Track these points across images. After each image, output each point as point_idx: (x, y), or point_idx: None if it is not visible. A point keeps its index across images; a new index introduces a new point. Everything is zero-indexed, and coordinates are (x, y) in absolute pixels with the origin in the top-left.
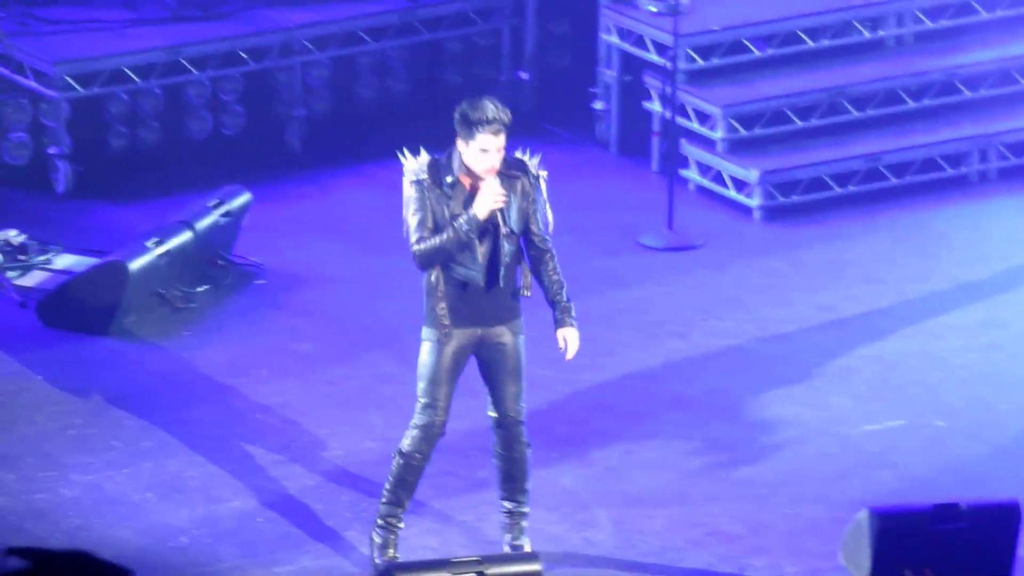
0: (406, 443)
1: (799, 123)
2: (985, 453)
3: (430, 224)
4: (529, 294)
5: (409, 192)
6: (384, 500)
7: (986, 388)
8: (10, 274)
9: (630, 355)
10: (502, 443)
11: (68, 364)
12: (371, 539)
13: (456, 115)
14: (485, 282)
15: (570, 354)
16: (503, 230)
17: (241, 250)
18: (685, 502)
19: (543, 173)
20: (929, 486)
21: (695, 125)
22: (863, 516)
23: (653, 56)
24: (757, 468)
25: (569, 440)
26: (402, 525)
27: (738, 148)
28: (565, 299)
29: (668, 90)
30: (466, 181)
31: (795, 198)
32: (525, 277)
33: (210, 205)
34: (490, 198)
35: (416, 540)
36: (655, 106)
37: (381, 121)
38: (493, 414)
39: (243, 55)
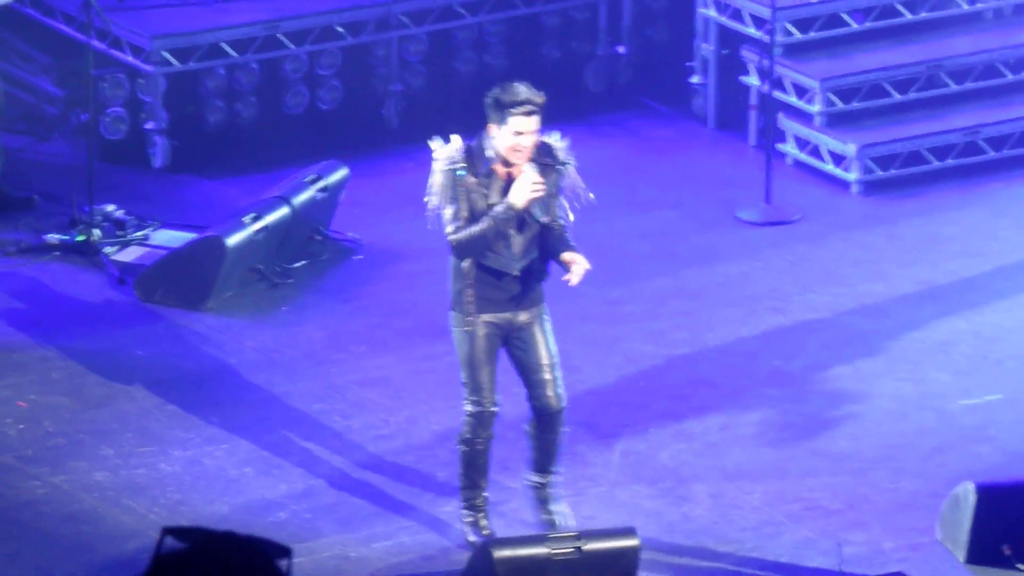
0: (464, 431)
1: (897, 96)
2: None
3: (465, 213)
4: (547, 277)
5: (442, 180)
6: (462, 486)
7: None
8: (108, 250)
9: (728, 330)
10: (541, 428)
11: (166, 340)
12: (463, 523)
13: (488, 100)
14: (519, 270)
15: (576, 276)
16: (534, 219)
17: (338, 225)
18: (783, 477)
19: (572, 161)
20: None
21: (793, 99)
22: (962, 491)
23: (750, 29)
24: (855, 443)
25: (667, 415)
26: (486, 501)
27: (836, 122)
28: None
29: (765, 64)
30: (501, 169)
31: (893, 172)
32: (559, 259)
33: (307, 180)
34: (528, 188)
35: (511, 514)
36: (752, 80)
37: (478, 96)
38: (532, 401)
39: (340, 29)
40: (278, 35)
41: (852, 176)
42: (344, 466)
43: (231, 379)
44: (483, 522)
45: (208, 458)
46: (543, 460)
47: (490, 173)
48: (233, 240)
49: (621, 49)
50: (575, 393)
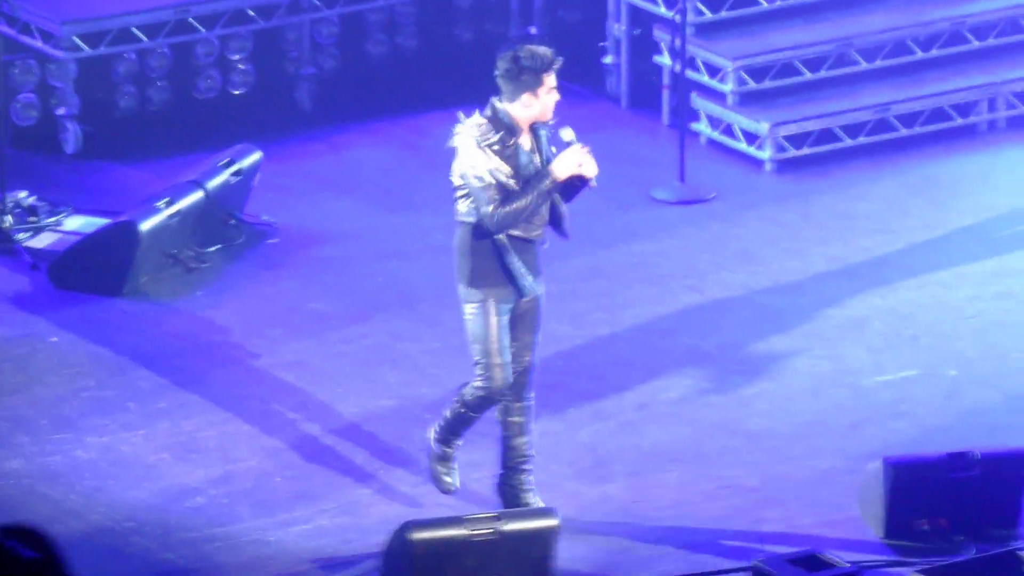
0: (471, 401)
1: (809, 75)
2: (998, 401)
3: (515, 180)
4: (567, 238)
5: (476, 156)
6: (442, 435)
7: (999, 336)
8: (21, 236)
9: (644, 309)
10: (515, 391)
11: (81, 326)
12: (432, 470)
13: (510, 67)
14: (543, 235)
15: (589, 167)
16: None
17: (253, 209)
18: (700, 455)
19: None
20: (943, 435)
21: (705, 78)
22: (878, 466)
23: (662, 9)
24: (772, 421)
25: (585, 395)
26: (456, 451)
27: (748, 100)
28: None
29: (677, 43)
30: (525, 140)
31: (805, 150)
32: (560, 223)
33: (220, 164)
34: (574, 162)
35: (430, 496)
36: (665, 60)
37: (391, 78)
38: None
39: (251, 13)
40: (189, 19)
41: (765, 154)
42: (261, 451)
43: (147, 365)
44: (452, 476)
45: (125, 444)
46: (513, 443)
47: (515, 145)
48: (147, 225)
49: (533, 30)
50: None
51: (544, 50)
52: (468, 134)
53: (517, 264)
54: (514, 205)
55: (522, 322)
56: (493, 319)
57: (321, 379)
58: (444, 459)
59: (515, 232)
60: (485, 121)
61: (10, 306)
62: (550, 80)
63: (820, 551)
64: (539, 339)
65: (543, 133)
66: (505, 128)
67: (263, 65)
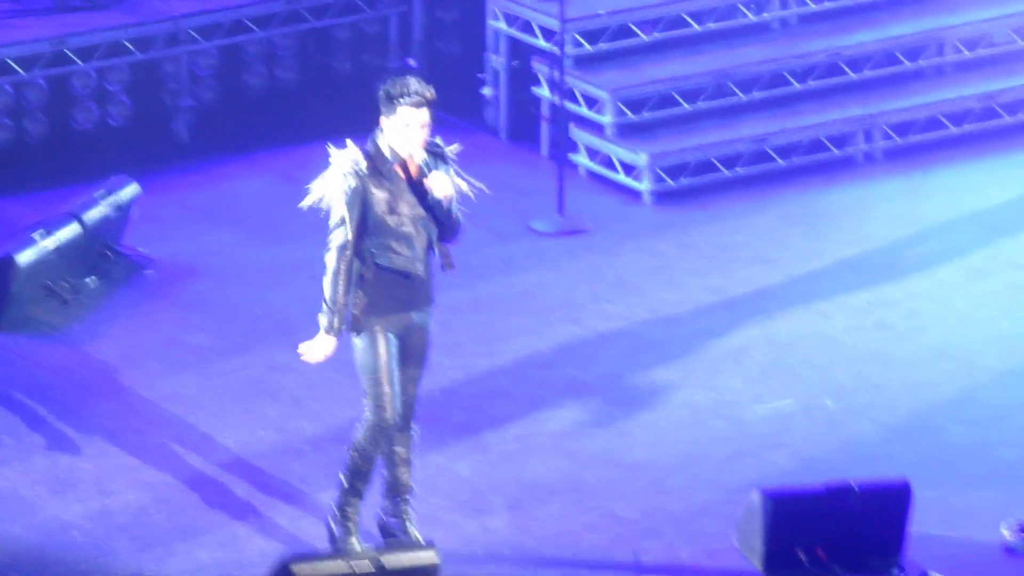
0: (362, 440)
1: (686, 106)
2: (875, 432)
3: (352, 225)
4: (453, 266)
5: (343, 185)
6: (343, 492)
7: (875, 367)
8: None
9: (523, 341)
10: (399, 423)
11: None
12: (329, 530)
13: (380, 93)
14: (422, 269)
15: (438, 188)
16: (430, 216)
17: (130, 241)
18: (580, 487)
19: (454, 157)
20: (821, 466)
21: (584, 110)
22: (755, 498)
23: (540, 41)
24: (651, 452)
25: (464, 427)
26: (357, 514)
27: (627, 132)
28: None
29: (556, 75)
30: (399, 169)
31: (684, 181)
32: (444, 253)
33: (97, 196)
34: (441, 192)
35: (310, 530)
36: (543, 91)
37: (270, 110)
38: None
39: (129, 45)
40: (65, 51)
41: (644, 186)
42: (139, 485)
43: (23, 398)
44: (353, 537)
45: (0, 479)
46: (395, 475)
47: (392, 174)
48: (24, 257)
49: (412, 62)
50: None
51: (408, 83)
52: (341, 160)
53: (360, 297)
54: (330, 269)
55: (409, 354)
56: (383, 349)
57: (200, 412)
58: (348, 533)
59: (391, 264)
60: (359, 150)
61: None
62: (404, 112)
63: None
64: (424, 372)
65: (426, 170)
66: (378, 157)
67: (141, 97)
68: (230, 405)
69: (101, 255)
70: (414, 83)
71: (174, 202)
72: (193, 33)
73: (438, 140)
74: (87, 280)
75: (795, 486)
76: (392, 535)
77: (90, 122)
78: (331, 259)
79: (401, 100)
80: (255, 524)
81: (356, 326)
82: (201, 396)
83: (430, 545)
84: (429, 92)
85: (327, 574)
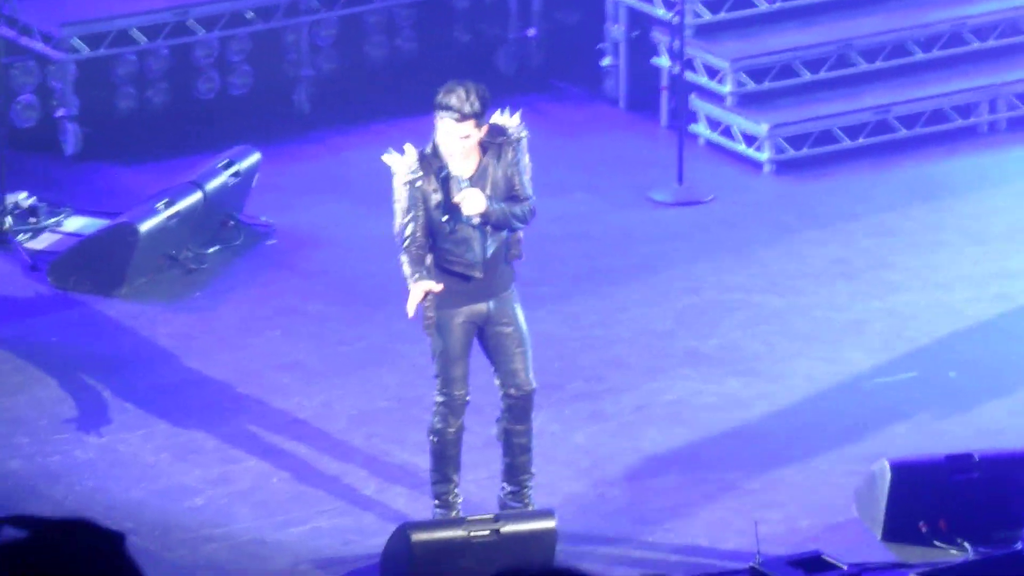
0: (435, 420)
1: (808, 76)
2: (997, 404)
3: (419, 228)
4: (521, 258)
5: (400, 193)
6: (433, 480)
7: (998, 338)
8: (20, 237)
9: (642, 311)
10: (513, 416)
11: (80, 327)
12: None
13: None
14: (482, 270)
15: (466, 205)
16: (468, 221)
17: (251, 210)
18: (699, 457)
19: (524, 134)
20: (943, 438)
21: (704, 80)
22: (878, 469)
23: (660, 11)
24: (771, 423)
25: (583, 397)
26: (460, 498)
27: (747, 102)
28: (499, 205)
29: (676, 45)
30: (453, 172)
31: (805, 151)
32: (514, 244)
33: (219, 166)
34: (470, 210)
35: (428, 498)
36: (663, 61)
37: (389, 80)
38: (505, 388)
39: (250, 15)
40: (188, 21)
41: (764, 156)
42: (260, 451)
43: (146, 365)
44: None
45: (123, 444)
46: (516, 462)
47: (447, 177)
48: (146, 226)
49: (531, 32)
50: (489, 376)
51: (453, 94)
52: (398, 169)
53: (430, 296)
54: (404, 264)
55: (502, 341)
56: (452, 337)
57: (319, 380)
58: (445, 506)
59: (451, 267)
60: (416, 154)
61: (10, 307)
62: (443, 125)
63: (820, 553)
64: (528, 359)
65: (457, 181)
66: (434, 160)
67: (262, 67)
68: (350, 373)
69: (223, 224)
70: (458, 96)
71: (295, 172)
72: (314, 3)
73: (505, 119)
74: (209, 249)
75: (917, 456)
76: None
77: (212, 92)
78: (402, 261)
79: (440, 111)
80: (374, 492)
81: (428, 322)
82: (321, 364)
83: (548, 513)
84: (473, 106)
85: (445, 540)
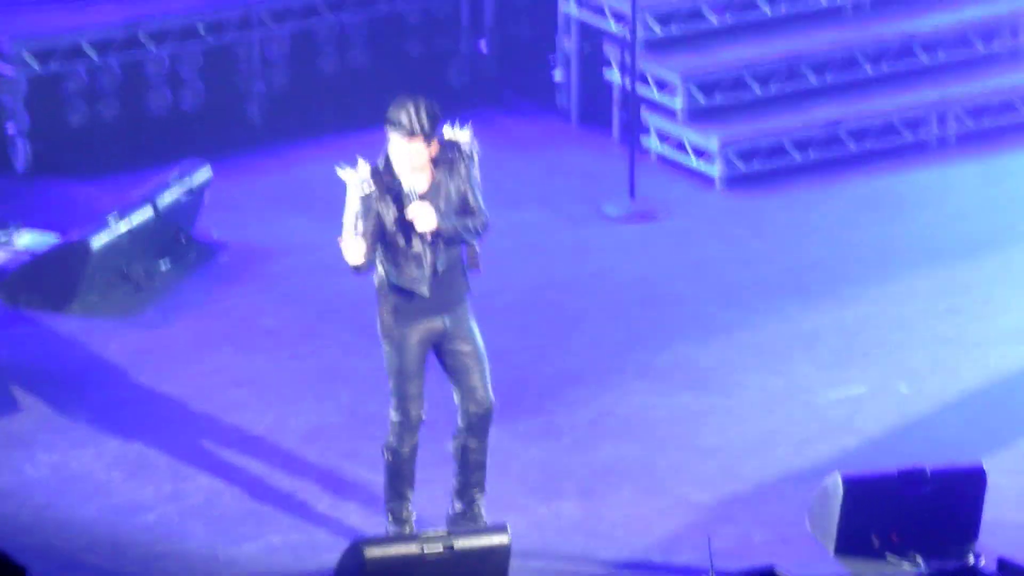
0: (390, 438)
1: (758, 91)
2: (949, 417)
3: (367, 232)
4: (479, 268)
5: (353, 204)
6: (387, 497)
7: (949, 352)
8: None
9: (595, 324)
10: (471, 432)
11: (31, 343)
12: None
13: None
14: (430, 287)
15: (419, 221)
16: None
17: (203, 225)
18: (652, 472)
19: (476, 150)
20: (894, 451)
21: (655, 94)
22: (830, 483)
23: (612, 25)
24: (723, 436)
25: (535, 411)
26: (413, 515)
27: (698, 116)
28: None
29: (627, 59)
30: (405, 188)
31: (756, 165)
32: (471, 254)
33: (171, 180)
34: (422, 226)
35: (382, 514)
36: (615, 75)
37: (342, 94)
38: (465, 405)
39: (201, 30)
40: (139, 36)
41: (715, 170)
42: (212, 467)
43: (97, 381)
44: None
45: (75, 461)
46: (471, 480)
47: (399, 191)
48: (98, 242)
49: (483, 45)
50: (444, 390)
51: (404, 111)
52: (351, 182)
53: (386, 312)
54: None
55: (459, 355)
56: (406, 354)
57: (272, 395)
58: (399, 522)
59: (400, 282)
60: (369, 168)
61: None
62: (395, 141)
63: (774, 567)
64: (485, 377)
65: (409, 196)
66: (387, 173)
67: (213, 81)
68: (303, 389)
69: (174, 239)
70: (408, 112)
71: (246, 186)
72: (265, 17)
73: (456, 134)
74: (160, 264)
75: (869, 471)
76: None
77: (163, 106)
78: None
79: (391, 128)
80: (327, 508)
81: (384, 332)
82: (273, 380)
83: (502, 528)
84: (424, 124)
85: (399, 556)
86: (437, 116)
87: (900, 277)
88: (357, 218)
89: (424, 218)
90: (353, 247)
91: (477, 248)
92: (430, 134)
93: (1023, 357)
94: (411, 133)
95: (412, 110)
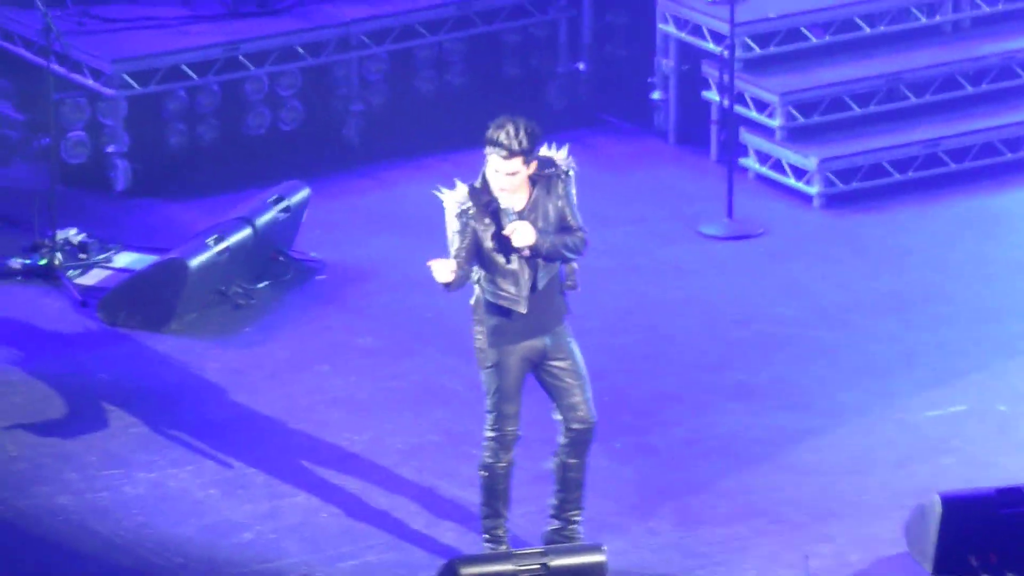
0: (486, 456)
1: (857, 110)
2: None
3: (464, 251)
4: (577, 288)
5: (452, 224)
6: (483, 515)
7: None
8: (71, 273)
9: (692, 344)
10: (572, 450)
11: (130, 362)
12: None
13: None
14: (527, 306)
15: (516, 238)
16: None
17: (301, 245)
18: (749, 491)
19: (574, 167)
20: (993, 471)
21: (753, 113)
22: (928, 502)
23: (710, 45)
24: (821, 455)
25: (632, 430)
26: (507, 532)
27: (797, 136)
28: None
29: (726, 78)
30: (506, 211)
31: (855, 185)
32: (570, 274)
33: (269, 201)
34: (519, 242)
35: (477, 532)
36: (713, 95)
37: (439, 115)
38: (568, 423)
39: (300, 50)
40: (238, 56)
41: (814, 190)
42: (309, 486)
43: (195, 400)
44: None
45: (173, 480)
46: (569, 498)
47: (498, 209)
48: (195, 262)
49: (581, 66)
50: (541, 408)
51: (501, 131)
52: (449, 203)
53: (479, 330)
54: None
55: (559, 375)
56: (505, 374)
57: (369, 414)
58: (494, 541)
59: (497, 300)
60: (467, 189)
61: (60, 343)
62: (492, 160)
63: None
64: (587, 394)
65: (507, 214)
66: (485, 193)
67: (312, 102)
68: (400, 408)
69: (272, 259)
70: (507, 132)
71: (345, 207)
72: (364, 38)
73: (553, 152)
74: (258, 284)
75: (967, 490)
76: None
77: (262, 127)
78: None
79: (490, 147)
80: (424, 526)
81: (482, 358)
82: (371, 399)
83: (598, 547)
84: (521, 143)
85: (494, 574)
86: (536, 135)
87: (1000, 296)
88: (454, 235)
89: (522, 235)
90: (441, 267)
91: (575, 266)
92: (529, 153)
93: None
94: (510, 152)
95: (512, 129)
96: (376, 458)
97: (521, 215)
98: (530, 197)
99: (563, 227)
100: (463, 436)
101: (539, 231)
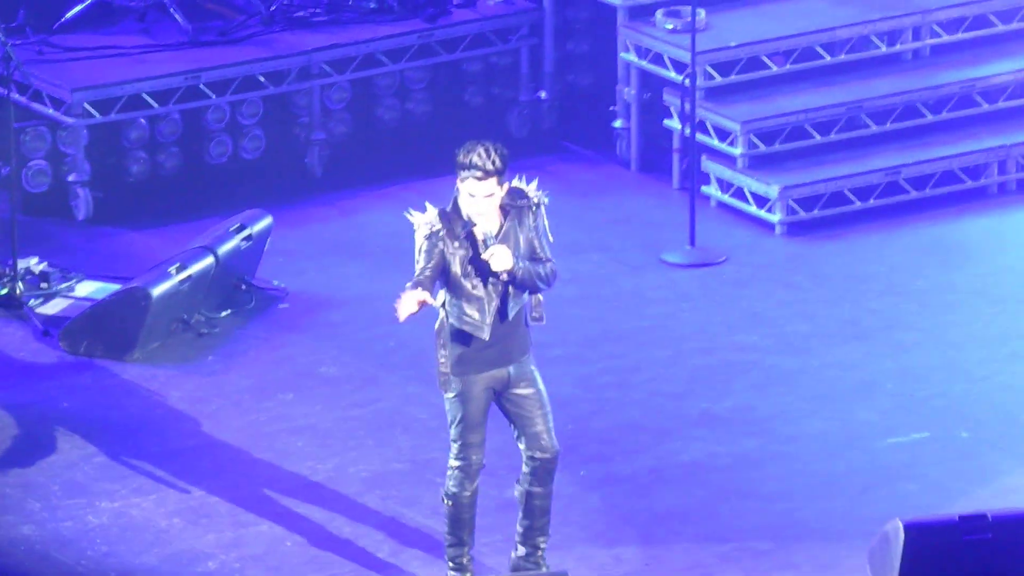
0: (450, 484)
1: (818, 138)
2: (1010, 463)
3: (428, 272)
4: (543, 321)
5: (421, 244)
6: (448, 544)
7: (1009, 398)
8: (32, 302)
9: (656, 372)
10: (536, 479)
11: (92, 391)
12: None
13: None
14: (490, 334)
15: (495, 262)
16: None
17: (264, 274)
18: (713, 518)
19: (545, 200)
20: (955, 498)
21: (715, 141)
22: (891, 529)
23: (672, 73)
24: (784, 483)
25: (597, 458)
26: (472, 561)
27: (758, 164)
28: (525, 264)
29: (687, 107)
30: (478, 231)
31: (816, 213)
32: (536, 306)
33: (231, 229)
34: (498, 266)
35: (442, 561)
36: (675, 123)
37: (401, 143)
38: (530, 451)
39: (262, 79)
40: (200, 85)
41: (776, 217)
42: (273, 515)
43: (158, 429)
44: None
45: (136, 509)
46: (535, 525)
47: (469, 234)
48: (158, 290)
49: (543, 94)
50: (506, 436)
51: (474, 153)
52: (419, 223)
53: (443, 354)
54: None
55: (523, 404)
56: (469, 403)
57: (332, 443)
58: (458, 569)
59: (462, 327)
60: (437, 211)
61: (21, 372)
62: (468, 184)
63: None
64: (549, 424)
65: (483, 238)
66: (456, 218)
67: (274, 130)
68: (363, 436)
69: (235, 288)
70: (479, 154)
71: (307, 235)
72: (325, 67)
73: (523, 184)
74: (221, 313)
75: (930, 517)
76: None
77: (224, 155)
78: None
79: (464, 171)
80: (388, 555)
81: (444, 383)
82: (334, 427)
83: (563, 574)
84: (495, 163)
85: None
86: (506, 157)
87: (961, 323)
88: (421, 255)
89: (500, 259)
90: (408, 299)
91: (541, 298)
92: (502, 174)
93: None
94: (485, 173)
95: (483, 151)
96: (340, 487)
97: (496, 240)
98: (501, 227)
99: (533, 258)
100: (427, 464)
101: (515, 256)
